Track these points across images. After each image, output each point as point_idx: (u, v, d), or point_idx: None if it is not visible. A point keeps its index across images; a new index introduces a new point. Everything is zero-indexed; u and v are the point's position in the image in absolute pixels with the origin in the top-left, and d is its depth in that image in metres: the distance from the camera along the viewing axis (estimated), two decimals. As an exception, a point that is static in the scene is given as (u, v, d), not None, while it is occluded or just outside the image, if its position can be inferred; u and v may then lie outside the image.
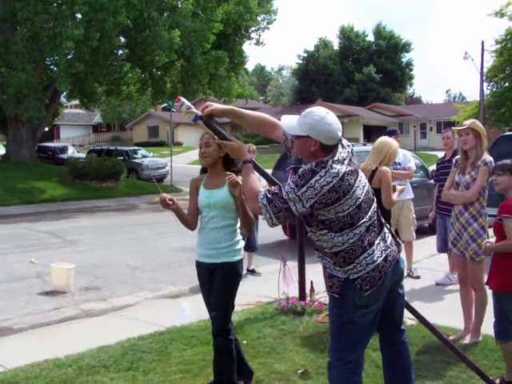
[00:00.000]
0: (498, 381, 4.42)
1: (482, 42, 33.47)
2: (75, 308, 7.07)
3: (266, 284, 7.67)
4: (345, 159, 3.16)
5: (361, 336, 3.28)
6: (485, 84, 33.90)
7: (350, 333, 3.24)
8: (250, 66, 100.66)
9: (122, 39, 25.08)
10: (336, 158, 3.12)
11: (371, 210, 3.23)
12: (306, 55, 71.53)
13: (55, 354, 5.10)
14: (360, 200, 3.14)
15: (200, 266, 4.28)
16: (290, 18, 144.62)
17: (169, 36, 22.88)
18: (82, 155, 31.00)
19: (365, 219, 3.16)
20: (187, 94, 28.22)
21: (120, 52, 25.17)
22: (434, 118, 53.70)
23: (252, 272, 8.87)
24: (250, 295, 6.89)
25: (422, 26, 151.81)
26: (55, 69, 23.38)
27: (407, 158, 8.33)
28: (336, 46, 72.80)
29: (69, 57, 22.33)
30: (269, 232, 12.27)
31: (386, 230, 3.34)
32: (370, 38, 72.15)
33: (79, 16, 21.80)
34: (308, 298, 6.61)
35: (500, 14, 30.44)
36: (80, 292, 7.91)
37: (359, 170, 3.25)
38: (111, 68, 24.75)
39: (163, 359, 4.97)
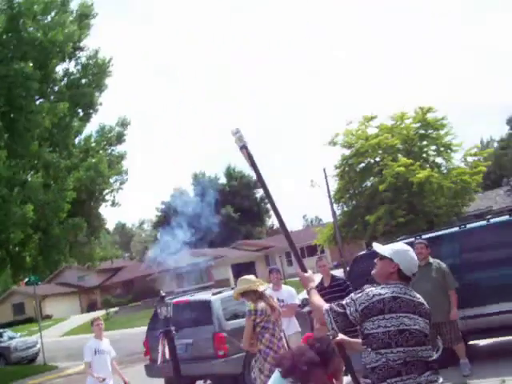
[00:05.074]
0: None
1: (324, 169, 35.89)
2: None
3: None
4: (407, 301, 3.44)
5: None
6: (335, 205, 36.15)
7: None
8: (110, 225, 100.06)
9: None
10: (399, 289, 3.48)
11: (415, 348, 3.37)
12: (163, 207, 72.78)
13: None
14: (405, 328, 3.36)
15: None
16: (143, 174, 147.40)
17: (22, 211, 22.59)
18: None
19: (401, 349, 3.34)
20: (49, 265, 27.51)
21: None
22: (297, 245, 55.42)
23: None
24: None
25: (268, 162, 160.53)
26: None
27: (291, 294, 8.78)
28: (192, 193, 74.93)
29: None
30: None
31: (430, 374, 3.42)
32: (223, 180, 75.35)
33: None
34: None
35: (333, 143, 33.68)
36: None
37: (419, 321, 3.44)
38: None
39: None
